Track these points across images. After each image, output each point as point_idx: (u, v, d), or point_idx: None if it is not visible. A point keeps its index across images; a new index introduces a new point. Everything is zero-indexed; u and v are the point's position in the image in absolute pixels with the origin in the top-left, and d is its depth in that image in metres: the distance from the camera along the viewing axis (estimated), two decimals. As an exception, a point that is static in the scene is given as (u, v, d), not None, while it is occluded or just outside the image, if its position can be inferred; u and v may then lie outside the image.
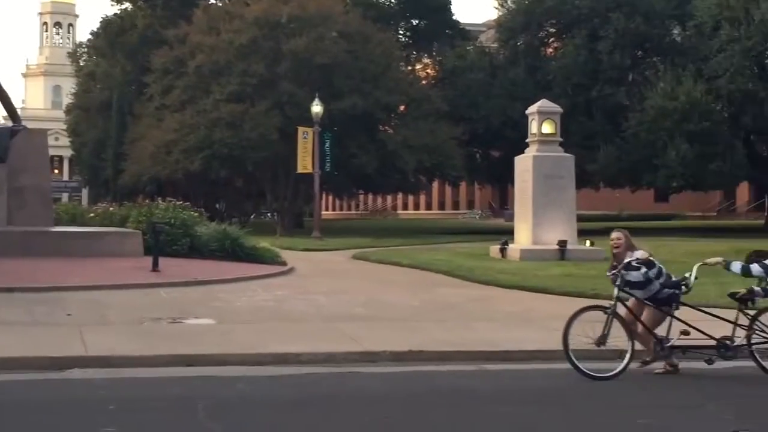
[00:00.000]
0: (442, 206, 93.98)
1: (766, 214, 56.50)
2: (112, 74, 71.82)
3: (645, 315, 11.40)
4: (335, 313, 15.94)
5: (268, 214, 73.99)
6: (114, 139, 69.21)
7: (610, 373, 10.94)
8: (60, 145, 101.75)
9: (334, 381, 10.88)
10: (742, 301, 11.50)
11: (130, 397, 9.81)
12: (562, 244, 27.37)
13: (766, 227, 51.98)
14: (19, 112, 30.43)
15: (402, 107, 54.96)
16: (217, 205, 65.54)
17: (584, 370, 10.88)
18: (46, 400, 9.68)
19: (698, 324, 11.35)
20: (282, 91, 49.44)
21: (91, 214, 33.84)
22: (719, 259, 11.76)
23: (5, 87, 27.49)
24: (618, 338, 11.22)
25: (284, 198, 54.66)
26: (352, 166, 50.89)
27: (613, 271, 11.47)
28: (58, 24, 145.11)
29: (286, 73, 49.64)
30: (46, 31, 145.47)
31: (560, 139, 29.84)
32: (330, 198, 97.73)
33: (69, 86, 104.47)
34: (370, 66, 51.02)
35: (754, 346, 11.40)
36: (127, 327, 14.04)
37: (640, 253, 11.39)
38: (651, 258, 11.35)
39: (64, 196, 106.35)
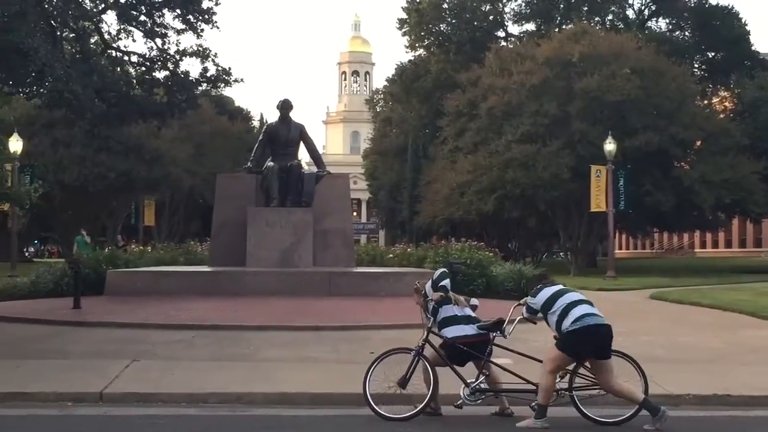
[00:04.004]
0: (742, 244, 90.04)
1: None
2: (407, 119, 74.18)
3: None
4: (634, 354, 15.56)
5: (561, 254, 73.61)
6: (409, 182, 71.34)
7: (406, 414, 10.54)
8: (358, 188, 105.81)
9: (635, 423, 10.67)
10: None
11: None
12: None
13: None
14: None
15: (698, 142, 53.31)
16: (510, 245, 65.84)
17: (380, 411, 10.56)
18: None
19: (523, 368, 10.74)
20: (574, 130, 49.24)
21: (390, 255, 34.87)
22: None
23: (310, 134, 28.94)
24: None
25: (577, 237, 54.23)
26: (647, 204, 49.81)
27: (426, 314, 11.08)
28: (355, 73, 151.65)
29: (578, 111, 49.43)
30: (345, 79, 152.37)
31: None
32: (623, 237, 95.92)
33: (366, 132, 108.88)
34: (664, 102, 49.93)
35: (575, 392, 10.50)
36: (427, 365, 14.31)
37: (436, 296, 10.93)
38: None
39: (363, 238, 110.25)
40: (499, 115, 52.14)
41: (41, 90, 31.56)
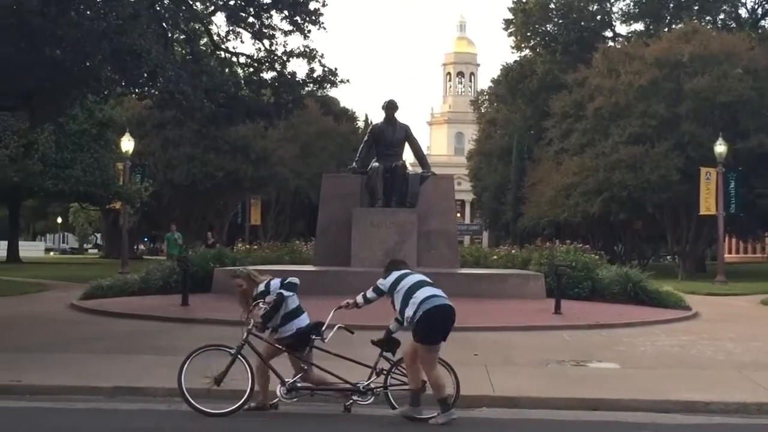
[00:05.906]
0: None
1: None
2: (512, 120, 73.81)
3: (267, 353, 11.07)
4: (745, 360, 15.27)
5: (668, 257, 72.35)
6: (513, 183, 70.99)
7: (225, 410, 10.61)
8: (462, 189, 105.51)
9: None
10: (381, 344, 10.92)
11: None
12: None
13: None
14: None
15: (814, 144, 51.81)
16: (616, 248, 64.99)
17: (198, 407, 10.64)
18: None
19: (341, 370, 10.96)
20: (683, 132, 48.37)
21: (494, 257, 34.68)
22: (350, 300, 11.31)
23: (415, 135, 28.90)
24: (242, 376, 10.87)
25: (685, 241, 53.27)
26: (758, 207, 48.71)
27: (248, 314, 11.03)
28: (460, 74, 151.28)
29: (687, 112, 48.53)
30: (449, 80, 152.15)
31: None
32: (733, 240, 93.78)
33: (470, 133, 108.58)
34: (778, 102, 48.74)
35: (390, 389, 10.88)
36: (531, 368, 14.24)
37: (270, 299, 10.80)
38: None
39: (466, 239, 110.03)
40: (606, 116, 51.51)
41: (153, 91, 32.13)
